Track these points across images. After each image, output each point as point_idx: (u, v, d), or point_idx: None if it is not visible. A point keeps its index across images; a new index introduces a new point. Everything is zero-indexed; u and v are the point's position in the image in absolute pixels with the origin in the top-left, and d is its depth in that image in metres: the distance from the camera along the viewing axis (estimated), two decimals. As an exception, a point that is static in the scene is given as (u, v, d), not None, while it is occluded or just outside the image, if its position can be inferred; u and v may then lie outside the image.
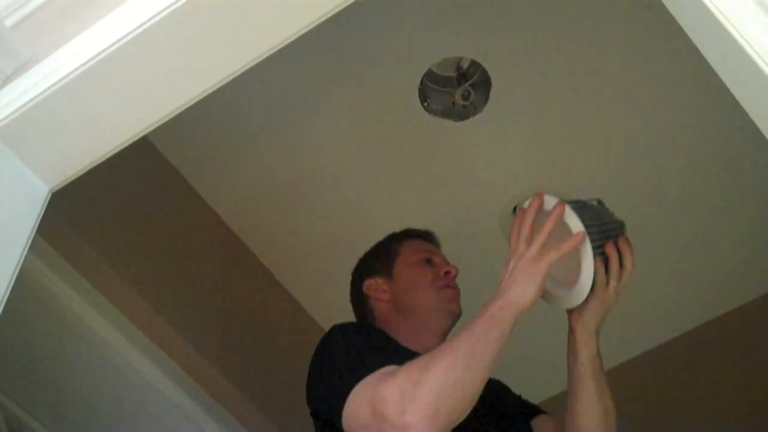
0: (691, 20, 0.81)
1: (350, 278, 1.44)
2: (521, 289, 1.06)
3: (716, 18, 0.70)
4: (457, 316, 1.32)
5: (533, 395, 1.35)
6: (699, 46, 0.81)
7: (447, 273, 1.36)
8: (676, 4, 0.82)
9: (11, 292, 1.01)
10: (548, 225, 1.07)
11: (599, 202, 1.14)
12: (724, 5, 0.69)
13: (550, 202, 1.10)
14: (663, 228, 2.12)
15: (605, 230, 1.09)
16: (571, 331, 1.16)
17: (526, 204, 1.12)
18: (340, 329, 1.22)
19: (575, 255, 1.08)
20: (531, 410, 1.32)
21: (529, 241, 1.08)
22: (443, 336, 1.28)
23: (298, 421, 1.98)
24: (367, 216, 2.09)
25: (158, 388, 1.83)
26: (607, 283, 1.11)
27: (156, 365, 1.80)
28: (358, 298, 1.39)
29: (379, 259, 1.41)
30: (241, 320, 2.02)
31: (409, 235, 1.46)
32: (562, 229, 1.08)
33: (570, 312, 1.16)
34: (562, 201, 1.09)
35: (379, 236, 1.47)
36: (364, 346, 1.16)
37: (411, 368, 1.01)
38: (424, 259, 1.38)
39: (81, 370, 1.80)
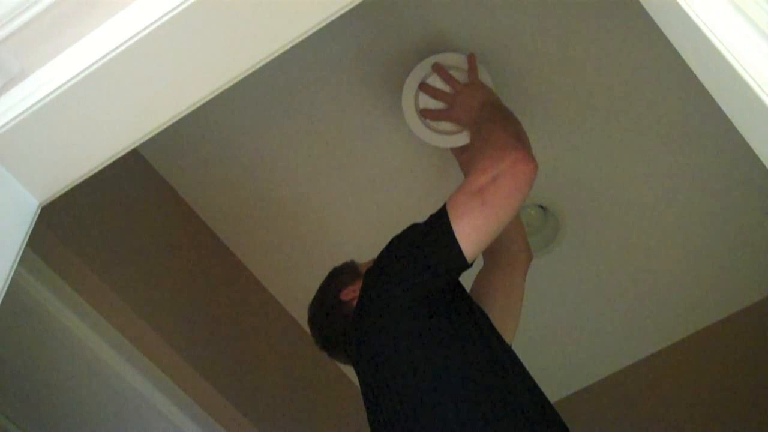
0: (684, 42, 0.82)
1: (316, 309, 1.50)
2: (482, 91, 1.55)
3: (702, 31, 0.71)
4: None
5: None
6: (683, 56, 0.82)
7: None
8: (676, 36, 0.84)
9: (1, 306, 1.01)
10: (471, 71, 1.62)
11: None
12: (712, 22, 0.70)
13: (444, 60, 1.65)
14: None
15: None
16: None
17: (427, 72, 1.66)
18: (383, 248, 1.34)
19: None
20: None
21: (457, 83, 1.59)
22: None
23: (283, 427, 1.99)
24: (356, 226, 2.09)
25: (150, 402, 1.82)
26: None
27: (149, 379, 1.79)
28: (337, 309, 1.43)
29: (343, 273, 1.49)
30: (234, 331, 2.02)
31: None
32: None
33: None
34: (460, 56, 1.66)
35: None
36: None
37: (481, 155, 1.27)
38: None
39: (72, 385, 1.79)
